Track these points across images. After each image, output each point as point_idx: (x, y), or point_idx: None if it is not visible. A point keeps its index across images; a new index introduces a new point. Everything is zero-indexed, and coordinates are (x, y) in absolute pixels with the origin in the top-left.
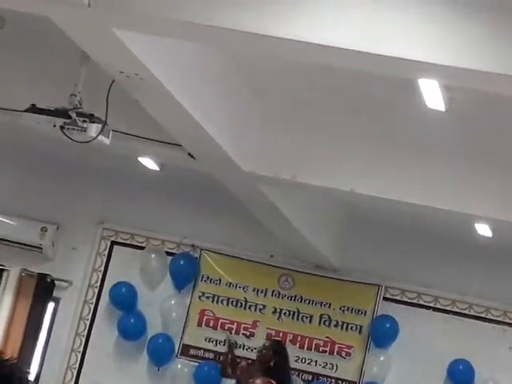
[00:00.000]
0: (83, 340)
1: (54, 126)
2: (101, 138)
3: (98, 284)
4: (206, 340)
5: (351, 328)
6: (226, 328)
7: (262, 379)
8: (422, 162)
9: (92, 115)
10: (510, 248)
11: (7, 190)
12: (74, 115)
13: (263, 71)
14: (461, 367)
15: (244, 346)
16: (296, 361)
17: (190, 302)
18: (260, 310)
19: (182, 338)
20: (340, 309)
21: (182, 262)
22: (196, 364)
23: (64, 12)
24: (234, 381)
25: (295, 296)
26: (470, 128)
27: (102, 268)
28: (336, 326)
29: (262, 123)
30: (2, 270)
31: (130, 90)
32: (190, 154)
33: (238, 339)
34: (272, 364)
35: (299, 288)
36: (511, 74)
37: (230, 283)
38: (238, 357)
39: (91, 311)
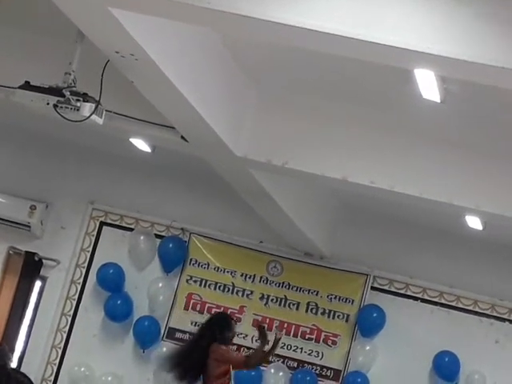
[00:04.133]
0: (69, 320)
1: (48, 103)
2: (94, 117)
3: (86, 264)
4: (192, 324)
5: (338, 316)
6: (212, 312)
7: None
8: (415, 152)
9: (86, 94)
10: (499, 242)
11: None
12: (67, 94)
13: (259, 57)
14: (446, 359)
15: None
16: (282, 347)
17: (178, 285)
18: (247, 295)
19: (168, 321)
20: (327, 297)
21: (170, 245)
22: None
23: None
24: None
25: (283, 283)
26: (464, 120)
27: (91, 248)
28: (323, 313)
29: (256, 109)
30: None
31: (125, 71)
32: (183, 137)
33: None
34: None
35: (287, 275)
36: (507, 67)
37: (218, 268)
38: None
39: (78, 291)
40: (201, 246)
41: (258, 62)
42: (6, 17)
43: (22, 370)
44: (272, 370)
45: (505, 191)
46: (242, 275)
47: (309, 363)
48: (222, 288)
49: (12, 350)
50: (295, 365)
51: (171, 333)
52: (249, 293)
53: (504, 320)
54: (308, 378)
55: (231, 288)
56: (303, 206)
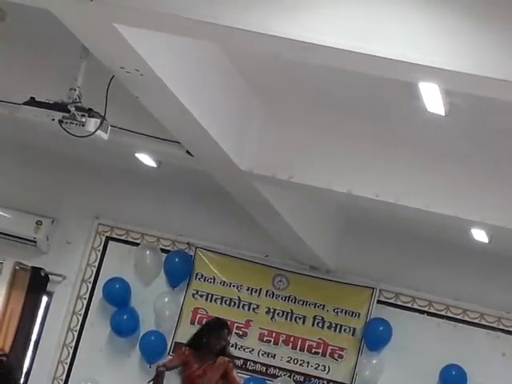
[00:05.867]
0: (75, 335)
1: (53, 119)
2: (99, 132)
3: (92, 279)
4: None
5: (344, 330)
6: None
7: (220, 359)
8: (420, 165)
9: (91, 110)
10: (505, 254)
11: (3, 183)
12: (72, 109)
13: (263, 71)
14: (453, 372)
15: (236, 346)
16: (288, 361)
17: (184, 299)
18: (253, 309)
19: (174, 335)
20: (334, 310)
21: (176, 260)
22: None
23: (65, 6)
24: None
25: (289, 296)
26: (469, 133)
27: (97, 263)
28: (329, 327)
29: (261, 123)
30: None
31: (130, 86)
32: (188, 152)
33: (231, 338)
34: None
35: (293, 288)
36: (510, 80)
37: (224, 282)
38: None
39: (84, 306)
40: (206, 260)
41: (263, 76)
42: (11, 33)
43: None
44: None
45: (510, 204)
46: (247, 289)
47: (315, 377)
48: (228, 302)
49: (20, 366)
50: (302, 379)
51: (177, 347)
52: (255, 307)
53: (510, 333)
54: None
55: (237, 302)
56: (309, 219)
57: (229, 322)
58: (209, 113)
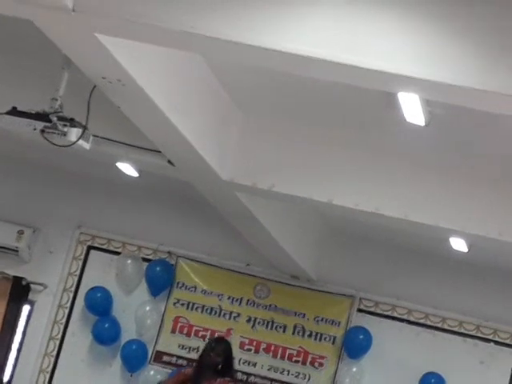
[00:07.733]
0: (57, 344)
1: (35, 129)
2: (81, 142)
3: (74, 288)
4: (179, 347)
5: (325, 338)
6: (200, 335)
7: (220, 380)
8: (400, 175)
9: (73, 119)
10: (484, 264)
11: None
12: (54, 119)
13: (244, 81)
14: (432, 380)
15: None
16: (269, 370)
17: (165, 308)
18: (234, 318)
19: (155, 344)
20: (314, 319)
21: (157, 269)
22: (169, 371)
23: (47, 16)
24: None
25: (270, 305)
26: (448, 142)
27: (78, 272)
28: (310, 336)
29: (242, 132)
30: None
31: (112, 96)
32: (169, 161)
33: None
34: (220, 367)
35: (274, 297)
36: (490, 90)
37: (206, 291)
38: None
39: (66, 315)
40: (188, 269)
41: (244, 86)
42: None
43: None
44: None
45: (489, 213)
46: (228, 298)
47: None
48: (209, 311)
49: (2, 374)
50: None
51: (159, 356)
52: (236, 315)
53: (489, 341)
54: None
55: (218, 311)
56: (290, 229)
57: (210, 331)
58: (190, 122)
